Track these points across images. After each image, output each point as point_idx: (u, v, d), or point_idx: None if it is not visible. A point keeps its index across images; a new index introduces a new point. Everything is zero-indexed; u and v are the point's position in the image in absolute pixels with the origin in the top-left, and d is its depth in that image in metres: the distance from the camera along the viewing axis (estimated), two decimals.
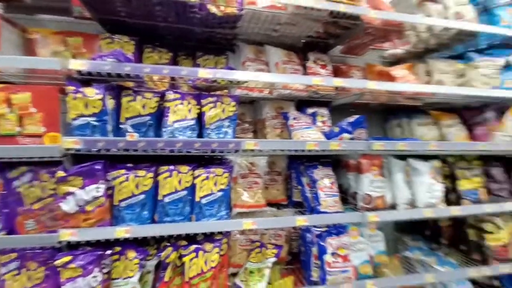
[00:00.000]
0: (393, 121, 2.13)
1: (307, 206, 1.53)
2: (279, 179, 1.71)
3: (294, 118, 1.57)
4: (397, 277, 1.46)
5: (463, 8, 1.69)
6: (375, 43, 1.94)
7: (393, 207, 1.58)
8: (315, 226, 1.46)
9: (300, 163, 1.63)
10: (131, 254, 1.18)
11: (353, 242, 1.49)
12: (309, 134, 1.46)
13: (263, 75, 1.35)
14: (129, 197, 1.19)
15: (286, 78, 1.45)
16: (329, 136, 1.51)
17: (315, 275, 1.37)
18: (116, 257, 1.17)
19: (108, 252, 1.14)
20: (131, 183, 1.19)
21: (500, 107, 1.78)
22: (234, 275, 1.43)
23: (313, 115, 1.75)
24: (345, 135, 1.46)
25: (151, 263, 1.27)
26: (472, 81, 1.71)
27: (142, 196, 1.21)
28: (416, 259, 1.80)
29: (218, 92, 1.45)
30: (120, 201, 1.18)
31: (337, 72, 1.89)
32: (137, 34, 1.49)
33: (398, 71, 1.79)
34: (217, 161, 1.50)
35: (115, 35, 1.44)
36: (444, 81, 1.76)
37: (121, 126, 1.22)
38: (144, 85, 1.44)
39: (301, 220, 1.29)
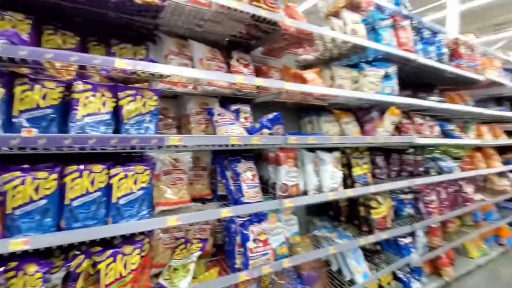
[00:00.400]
0: (306, 118, 2.42)
1: (231, 199, 1.61)
2: (204, 174, 1.74)
3: (219, 114, 1.62)
4: (307, 253, 1.70)
5: (357, 26, 2.04)
6: (290, 48, 2.16)
7: (305, 193, 1.82)
8: (238, 217, 1.56)
9: (224, 158, 1.70)
10: (31, 268, 1.03)
11: (272, 227, 1.65)
12: (233, 130, 1.54)
13: (188, 71, 1.35)
14: (27, 204, 1.02)
15: (212, 75, 1.48)
16: (251, 131, 1.62)
17: (238, 262, 1.48)
18: (11, 273, 0.99)
19: (0, 269, 0.96)
20: (29, 187, 1.03)
21: (382, 108, 2.24)
22: (157, 275, 1.40)
23: (237, 111, 1.84)
24: (265, 130, 1.59)
25: (58, 276, 1.12)
26: (363, 87, 2.09)
27: (44, 201, 1.05)
28: (323, 236, 2.12)
29: (137, 85, 1.37)
30: (14, 208, 1.00)
31: (258, 72, 2.03)
32: (35, 12, 1.26)
33: (309, 74, 2.04)
34: (137, 158, 1.42)
35: (7, 11, 1.19)
36: (344, 86, 2.11)
37: (14, 120, 1.03)
38: (44, 73, 1.23)
39: (226, 212, 1.36)
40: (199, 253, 1.40)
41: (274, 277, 1.68)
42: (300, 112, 2.50)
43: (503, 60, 3.70)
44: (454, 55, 2.76)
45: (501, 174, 3.65)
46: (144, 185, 1.27)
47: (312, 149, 1.93)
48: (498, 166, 3.33)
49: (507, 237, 3.45)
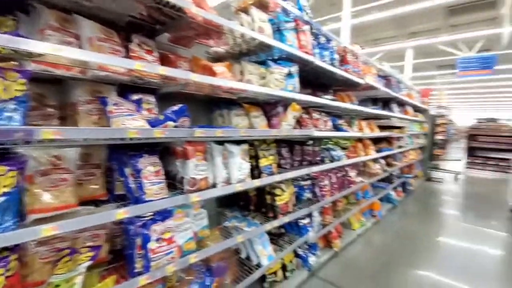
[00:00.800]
0: (217, 112, 2.42)
1: (131, 198, 1.47)
2: (97, 173, 1.52)
3: (115, 104, 1.43)
4: (215, 245, 1.73)
5: (264, 24, 2.14)
6: (200, 38, 2.10)
7: (214, 186, 1.83)
8: (139, 217, 1.44)
9: (123, 153, 1.53)
10: None
11: (179, 224, 1.60)
12: (132, 122, 1.39)
13: (72, 51, 1.13)
14: None
15: (102, 58, 1.28)
16: (154, 124, 1.51)
17: (139, 265, 1.37)
18: None
19: None
20: None
21: (286, 103, 2.44)
22: None
23: (138, 102, 1.67)
24: (170, 123, 1.51)
25: None
26: (270, 83, 2.23)
27: None
28: (233, 227, 2.19)
29: None
30: None
31: (164, 60, 1.89)
32: None
33: (219, 67, 2.03)
34: None
35: None
36: (252, 81, 2.19)
37: None
38: None
39: (122, 213, 1.23)
40: (89, 263, 1.23)
41: (181, 275, 1.64)
42: (211, 105, 2.48)
43: (378, 69, 4.59)
44: (343, 60, 3.25)
45: (375, 160, 4.57)
46: (7, 189, 1.02)
47: (221, 142, 1.95)
48: (373, 154, 4.15)
49: (378, 210, 4.38)
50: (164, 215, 1.53)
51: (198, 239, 1.77)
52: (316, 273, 2.70)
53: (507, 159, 9.46)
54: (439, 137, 8.21)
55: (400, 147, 5.46)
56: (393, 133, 5.08)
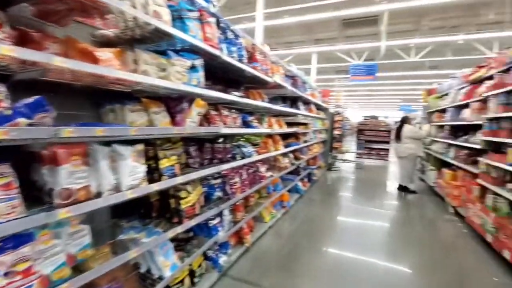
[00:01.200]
0: (108, 107, 2.05)
1: None
2: None
3: None
4: (98, 266, 1.44)
5: (160, 9, 1.91)
6: (76, 15, 1.71)
7: (99, 195, 1.53)
8: None
9: None
10: None
11: (43, 248, 1.25)
12: None
13: None
14: None
15: None
16: None
17: None
18: None
19: None
20: None
21: (191, 99, 2.28)
22: None
23: None
24: (22, 120, 1.15)
25: None
26: (171, 76, 2.02)
27: None
28: (130, 239, 1.91)
29: None
30: None
31: (25, 38, 1.45)
32: None
33: (104, 53, 1.70)
34: None
35: None
36: (149, 72, 1.93)
37: None
38: None
39: None
40: None
41: None
42: (100, 99, 2.09)
43: (286, 69, 4.89)
44: (252, 58, 3.28)
45: (285, 155, 4.89)
46: None
47: (109, 143, 1.65)
48: (282, 149, 4.42)
49: (287, 201, 4.71)
50: (18, 240, 1.17)
51: (77, 262, 1.44)
52: (227, 273, 2.67)
53: (385, 149, 11.77)
54: (336, 132, 9.51)
55: (305, 141, 6.03)
56: (300, 129, 5.55)
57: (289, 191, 4.96)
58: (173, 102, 2.33)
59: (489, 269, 3.01)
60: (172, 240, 2.21)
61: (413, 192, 6.27)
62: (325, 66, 16.74)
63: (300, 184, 5.63)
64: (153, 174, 1.91)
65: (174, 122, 2.27)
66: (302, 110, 5.81)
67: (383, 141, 11.79)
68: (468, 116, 4.76)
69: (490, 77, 4.10)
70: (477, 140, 4.27)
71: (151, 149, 1.92)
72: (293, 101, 5.57)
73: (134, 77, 1.70)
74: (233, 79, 3.40)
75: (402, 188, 6.37)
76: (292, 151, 5.25)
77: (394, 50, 12.79)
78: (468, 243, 3.72)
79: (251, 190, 3.29)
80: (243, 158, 3.15)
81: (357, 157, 11.14)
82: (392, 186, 7.14)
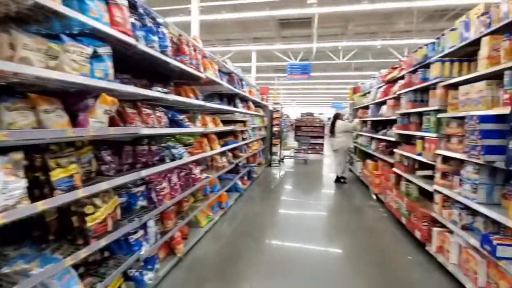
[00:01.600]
0: None
1: None
2: None
3: None
4: None
5: None
6: None
7: None
8: None
9: None
10: None
11: None
12: None
13: None
14: None
15: None
16: None
17: None
18: None
19: None
20: None
21: (97, 95, 1.91)
22: None
23: None
24: None
25: None
26: (64, 65, 1.63)
27: None
28: (17, 271, 1.49)
29: None
30: None
31: None
32: None
33: None
34: None
35: None
36: (32, 60, 1.52)
37: None
38: None
39: None
40: None
41: None
42: None
43: (221, 65, 4.70)
44: (179, 50, 3.00)
45: (223, 153, 4.71)
46: None
47: None
48: (218, 148, 4.23)
49: (225, 201, 4.55)
50: None
51: None
52: None
53: (320, 144, 12.60)
54: (275, 128, 9.75)
55: (244, 139, 5.96)
56: (238, 127, 5.44)
57: (228, 191, 4.81)
58: (74, 99, 1.92)
59: (404, 249, 3.38)
60: (80, 265, 1.84)
61: (344, 180, 6.81)
62: (264, 64, 17.11)
63: (239, 182, 5.54)
64: (42, 189, 1.52)
65: (77, 123, 1.87)
66: (240, 107, 5.71)
67: (318, 136, 12.61)
68: (385, 112, 5.32)
69: (402, 77, 4.63)
70: (392, 134, 4.80)
71: (37, 158, 1.53)
72: (230, 98, 5.42)
73: (7, 66, 1.30)
74: (162, 73, 3.06)
75: (339, 179, 6.85)
76: (231, 150, 5.11)
77: (325, 51, 13.78)
78: (387, 226, 4.15)
79: (184, 194, 3.03)
80: (173, 160, 2.86)
81: (295, 152, 11.66)
82: (327, 177, 7.64)
